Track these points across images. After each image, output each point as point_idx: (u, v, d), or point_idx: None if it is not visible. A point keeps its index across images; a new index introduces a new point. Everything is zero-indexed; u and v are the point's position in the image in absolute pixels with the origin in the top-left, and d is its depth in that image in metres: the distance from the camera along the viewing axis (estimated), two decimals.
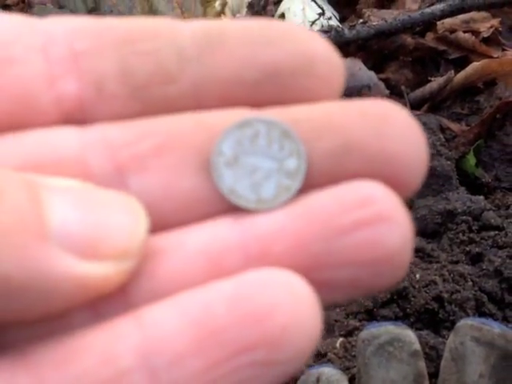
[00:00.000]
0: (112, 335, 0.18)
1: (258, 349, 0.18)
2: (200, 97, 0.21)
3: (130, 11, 0.93)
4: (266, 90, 0.21)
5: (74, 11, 0.92)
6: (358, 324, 0.74)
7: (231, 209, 0.21)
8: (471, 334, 0.67)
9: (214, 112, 0.21)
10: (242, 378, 0.18)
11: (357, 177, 0.20)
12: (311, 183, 0.20)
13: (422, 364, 0.67)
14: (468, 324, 0.68)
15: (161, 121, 0.21)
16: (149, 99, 0.21)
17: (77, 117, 0.21)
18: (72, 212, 0.18)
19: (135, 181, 0.20)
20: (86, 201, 0.19)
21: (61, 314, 0.19)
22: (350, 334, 0.74)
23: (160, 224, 0.20)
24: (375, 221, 0.19)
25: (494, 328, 0.67)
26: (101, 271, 0.18)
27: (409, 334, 0.67)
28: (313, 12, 0.97)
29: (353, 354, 0.71)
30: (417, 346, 0.67)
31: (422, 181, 0.21)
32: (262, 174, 0.21)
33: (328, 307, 0.76)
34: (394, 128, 0.20)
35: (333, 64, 0.22)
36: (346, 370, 0.70)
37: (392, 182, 0.20)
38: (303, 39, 0.21)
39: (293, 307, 0.18)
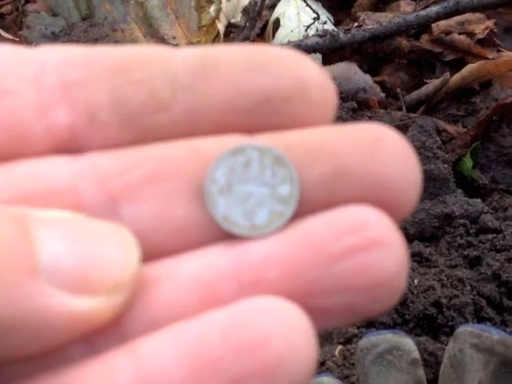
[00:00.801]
0: (107, 368, 0.18)
1: (254, 379, 0.18)
2: (193, 124, 0.21)
3: (124, 18, 0.92)
4: (260, 116, 0.21)
5: (67, 19, 0.92)
6: (356, 331, 0.74)
7: (225, 236, 0.21)
8: (470, 340, 0.67)
9: (206, 139, 0.21)
10: None
11: (350, 202, 0.20)
12: (304, 209, 0.20)
13: (421, 372, 0.67)
14: (467, 330, 0.68)
15: (153, 149, 0.21)
16: (142, 128, 0.21)
17: (69, 146, 0.21)
18: (62, 245, 0.18)
19: (127, 210, 0.20)
20: (76, 233, 0.19)
21: (54, 349, 0.19)
22: (348, 341, 0.74)
23: (153, 253, 0.20)
24: (369, 246, 0.19)
25: (493, 334, 0.67)
26: (92, 305, 0.18)
27: (408, 342, 0.67)
28: (308, 16, 0.96)
29: (352, 361, 0.71)
30: (416, 354, 0.67)
31: (415, 204, 0.21)
32: (255, 201, 0.21)
33: None
34: (387, 152, 0.20)
35: (326, 89, 0.22)
36: (344, 378, 0.70)
37: (386, 206, 0.20)
38: (296, 64, 0.21)
39: (288, 336, 0.18)
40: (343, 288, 0.19)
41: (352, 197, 0.20)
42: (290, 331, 0.18)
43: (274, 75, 0.21)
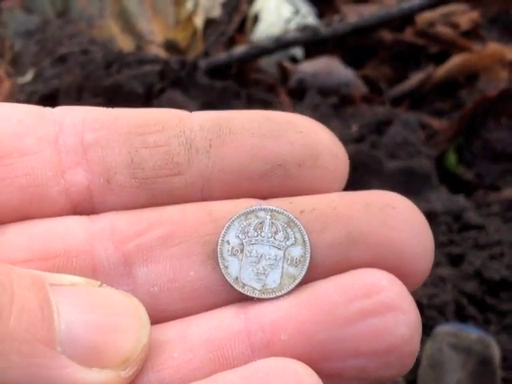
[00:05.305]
0: None
1: None
2: (207, 188, 0.22)
3: (100, 13, 0.91)
4: (273, 180, 0.22)
5: (42, 14, 0.90)
6: None
7: (237, 298, 0.21)
8: (448, 340, 0.66)
9: (220, 202, 0.22)
10: None
11: (362, 266, 0.20)
12: (317, 272, 0.21)
13: None
14: (445, 330, 0.67)
15: (167, 210, 0.22)
16: (157, 190, 0.22)
17: (85, 206, 0.22)
18: (78, 316, 0.19)
19: (142, 271, 0.21)
20: (91, 303, 0.19)
21: None
22: None
23: (166, 314, 0.21)
24: (381, 310, 0.19)
25: (472, 333, 0.66)
26: (103, 378, 0.19)
27: None
28: (288, 10, 0.95)
29: None
30: None
31: (428, 271, 0.21)
32: (267, 263, 0.21)
33: None
34: (399, 218, 0.20)
35: (337, 155, 0.22)
36: None
37: (398, 271, 0.20)
38: (308, 130, 0.22)
39: None
40: (355, 352, 0.19)
41: (364, 262, 0.20)
42: None
43: (287, 141, 0.22)
